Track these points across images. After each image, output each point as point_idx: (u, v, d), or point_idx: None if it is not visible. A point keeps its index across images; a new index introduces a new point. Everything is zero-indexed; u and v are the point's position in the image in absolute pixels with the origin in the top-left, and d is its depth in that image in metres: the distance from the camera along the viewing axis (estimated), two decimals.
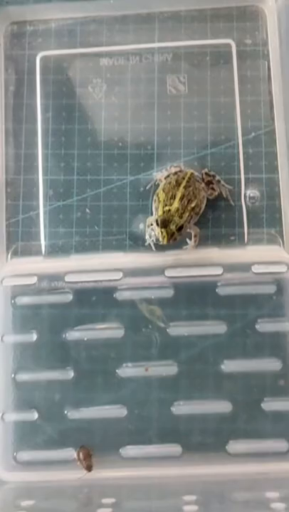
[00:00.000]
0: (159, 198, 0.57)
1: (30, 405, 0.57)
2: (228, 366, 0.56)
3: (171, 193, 0.57)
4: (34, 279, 0.58)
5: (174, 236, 0.55)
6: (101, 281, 0.58)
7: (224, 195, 0.60)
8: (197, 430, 0.55)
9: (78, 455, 0.55)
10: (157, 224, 0.55)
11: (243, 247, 0.59)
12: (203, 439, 0.55)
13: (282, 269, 0.58)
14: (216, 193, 0.59)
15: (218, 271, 0.58)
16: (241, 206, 0.61)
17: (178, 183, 0.57)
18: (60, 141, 0.63)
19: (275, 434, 0.55)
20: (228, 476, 0.53)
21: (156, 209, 0.57)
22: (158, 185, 0.59)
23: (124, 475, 0.54)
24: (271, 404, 0.55)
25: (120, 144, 0.62)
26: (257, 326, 0.57)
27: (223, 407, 0.56)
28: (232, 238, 0.60)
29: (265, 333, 0.57)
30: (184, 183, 0.57)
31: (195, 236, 0.58)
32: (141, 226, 0.61)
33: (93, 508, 0.46)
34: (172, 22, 0.64)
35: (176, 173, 0.59)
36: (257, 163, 0.61)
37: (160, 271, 0.58)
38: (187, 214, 0.56)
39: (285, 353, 0.56)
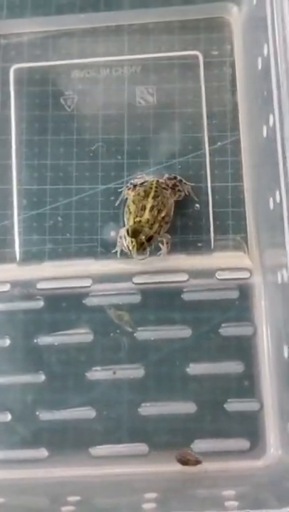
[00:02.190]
0: (130, 210, 0.59)
1: (4, 407, 0.59)
2: (194, 369, 0.59)
3: (141, 204, 0.59)
4: (7, 287, 0.61)
5: (143, 246, 0.57)
6: (71, 288, 0.60)
7: (188, 193, 0.62)
8: (163, 430, 0.58)
9: (187, 463, 0.56)
10: (128, 234, 0.57)
11: (209, 254, 0.62)
12: (169, 439, 0.58)
13: (245, 275, 0.60)
14: (184, 194, 0.61)
15: (184, 277, 0.60)
16: (208, 213, 0.63)
17: (146, 194, 0.59)
18: (34, 151, 0.65)
19: (237, 434, 0.57)
20: (192, 473, 0.56)
21: (128, 220, 0.59)
22: (127, 199, 0.61)
23: (94, 473, 0.57)
24: (234, 405, 0.58)
25: (91, 154, 0.64)
26: (221, 330, 0.59)
27: (189, 408, 0.58)
28: (199, 245, 0.62)
29: (229, 336, 0.59)
30: (152, 194, 0.59)
31: (167, 243, 0.60)
32: (112, 234, 0.63)
33: (58, 505, 0.49)
34: (141, 34, 0.65)
35: (142, 183, 0.61)
36: (223, 172, 0.63)
37: (128, 278, 0.60)
38: (157, 225, 0.58)
39: (248, 356, 0.59)
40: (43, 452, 0.58)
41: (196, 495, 0.50)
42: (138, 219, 0.58)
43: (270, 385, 0.57)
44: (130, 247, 0.57)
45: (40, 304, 0.60)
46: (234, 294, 0.60)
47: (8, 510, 0.50)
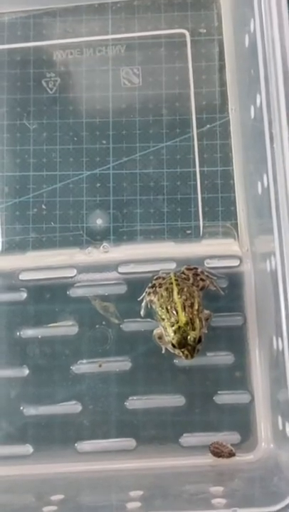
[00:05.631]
0: (161, 316, 0.54)
1: None
2: (182, 360, 0.57)
3: (170, 306, 0.53)
4: None
5: (196, 349, 0.52)
6: (55, 278, 0.58)
7: (212, 287, 0.57)
8: (151, 424, 0.56)
9: (220, 455, 0.54)
10: (174, 346, 0.53)
11: (198, 241, 0.60)
12: (157, 433, 0.56)
13: (235, 263, 0.58)
14: (208, 283, 0.56)
15: (172, 265, 0.58)
16: (197, 199, 0.61)
17: (169, 293, 0.54)
18: (15, 137, 0.62)
19: (227, 427, 0.56)
20: (180, 468, 0.54)
21: (165, 329, 0.53)
22: (150, 304, 0.57)
23: (81, 469, 0.55)
24: (224, 398, 0.56)
25: (75, 139, 0.62)
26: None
27: (177, 401, 0.56)
28: (188, 232, 0.60)
29: (219, 327, 0.57)
30: (175, 290, 0.54)
31: (206, 320, 0.55)
32: (98, 221, 0.61)
33: (41, 504, 0.47)
34: (125, 12, 0.63)
35: (160, 284, 0.56)
36: (212, 156, 0.61)
37: (114, 267, 0.58)
38: (198, 320, 0.53)
39: (238, 347, 0.57)
40: (28, 448, 0.57)
41: (182, 492, 0.49)
42: (176, 326, 0.52)
43: (261, 376, 0.56)
44: (184, 357, 0.52)
45: (24, 295, 0.58)
46: (223, 283, 0.57)
47: None
